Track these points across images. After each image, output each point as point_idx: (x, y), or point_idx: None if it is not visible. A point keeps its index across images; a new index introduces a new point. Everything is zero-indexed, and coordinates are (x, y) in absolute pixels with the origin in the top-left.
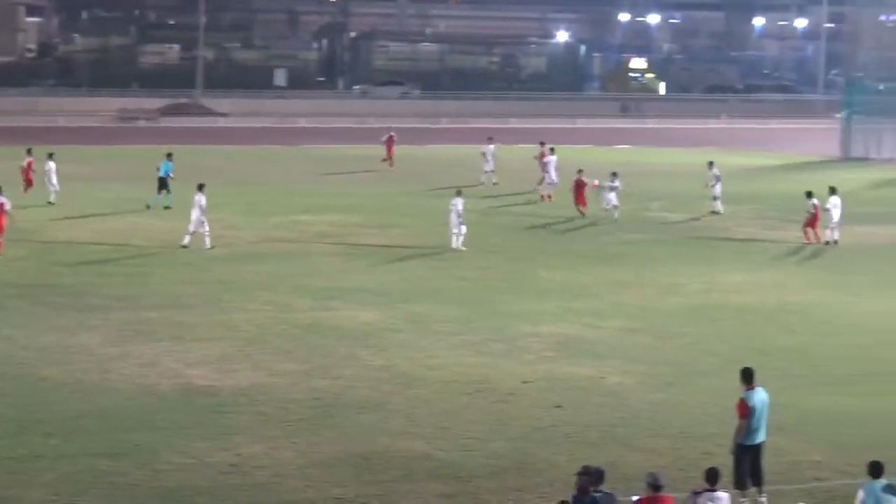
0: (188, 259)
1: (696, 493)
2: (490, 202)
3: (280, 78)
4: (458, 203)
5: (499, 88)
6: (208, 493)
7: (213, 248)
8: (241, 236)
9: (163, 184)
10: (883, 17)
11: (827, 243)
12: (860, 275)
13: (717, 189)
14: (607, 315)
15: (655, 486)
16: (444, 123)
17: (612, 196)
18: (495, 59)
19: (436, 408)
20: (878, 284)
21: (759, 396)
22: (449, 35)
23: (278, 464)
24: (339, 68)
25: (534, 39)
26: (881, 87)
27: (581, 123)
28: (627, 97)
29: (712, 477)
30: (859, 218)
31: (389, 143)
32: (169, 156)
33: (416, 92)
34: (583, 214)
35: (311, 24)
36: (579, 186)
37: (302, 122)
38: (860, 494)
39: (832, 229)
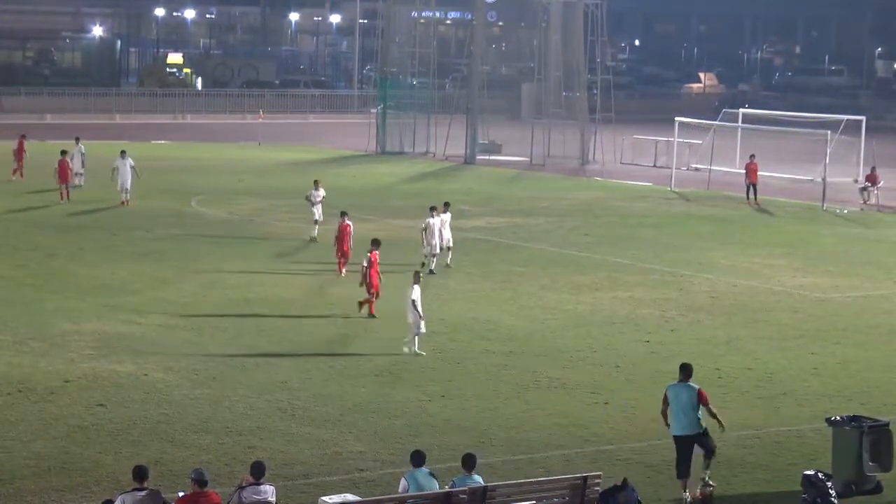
0: None
1: (242, 488)
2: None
3: None
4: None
5: (35, 83)
6: None
7: None
8: None
9: None
10: (415, 14)
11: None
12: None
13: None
14: (148, 311)
15: (201, 482)
16: None
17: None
18: (30, 53)
19: None
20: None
21: (674, 390)
22: None
23: None
24: None
25: (68, 34)
26: (414, 82)
27: (120, 119)
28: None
29: (257, 471)
30: (398, 211)
31: (20, 148)
32: None
33: None
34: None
35: None
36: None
37: None
38: (403, 482)
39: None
